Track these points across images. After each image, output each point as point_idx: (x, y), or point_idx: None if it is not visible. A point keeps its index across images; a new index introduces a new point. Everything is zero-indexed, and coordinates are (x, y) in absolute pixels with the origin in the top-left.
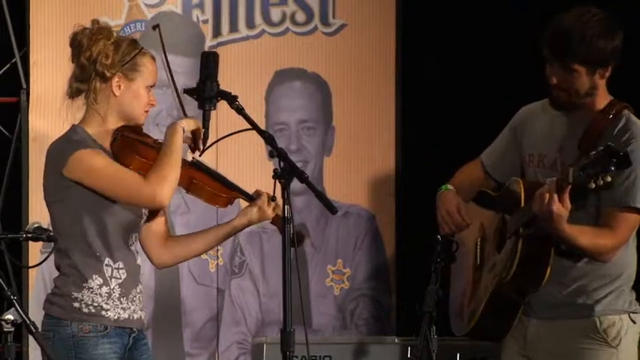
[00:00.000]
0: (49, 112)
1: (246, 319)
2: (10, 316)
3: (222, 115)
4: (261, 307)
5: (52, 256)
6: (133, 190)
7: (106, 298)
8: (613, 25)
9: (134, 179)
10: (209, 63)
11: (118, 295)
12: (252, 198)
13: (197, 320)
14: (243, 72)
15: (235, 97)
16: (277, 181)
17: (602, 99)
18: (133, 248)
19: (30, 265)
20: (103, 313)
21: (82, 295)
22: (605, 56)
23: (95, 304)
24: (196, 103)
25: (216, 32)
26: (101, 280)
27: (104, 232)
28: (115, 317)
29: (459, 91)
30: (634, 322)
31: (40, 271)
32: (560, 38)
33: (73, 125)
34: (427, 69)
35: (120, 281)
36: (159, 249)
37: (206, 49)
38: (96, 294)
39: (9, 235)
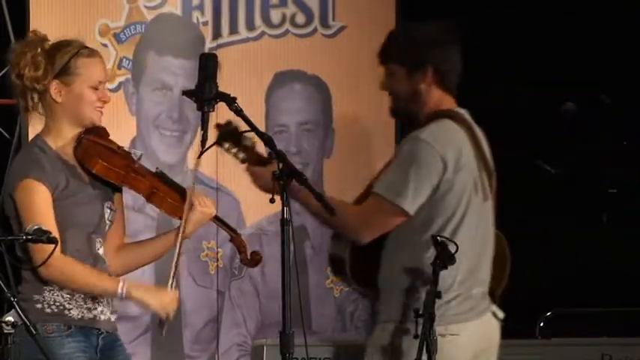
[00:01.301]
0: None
1: (245, 321)
2: (10, 318)
3: (222, 117)
4: (261, 308)
5: None
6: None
7: (68, 298)
8: (442, 35)
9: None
10: (208, 65)
11: (83, 296)
12: (223, 222)
13: (197, 322)
14: (243, 74)
15: (234, 99)
16: (276, 182)
17: (433, 107)
18: (100, 252)
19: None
20: (66, 312)
21: (43, 297)
22: (419, 60)
23: (57, 304)
24: (195, 104)
25: (216, 34)
26: None
27: (62, 244)
28: (79, 316)
29: (458, 94)
30: (407, 330)
31: None
32: (384, 42)
33: (36, 135)
34: None
35: None
36: (111, 256)
37: (206, 50)
38: (57, 294)
39: (9, 237)
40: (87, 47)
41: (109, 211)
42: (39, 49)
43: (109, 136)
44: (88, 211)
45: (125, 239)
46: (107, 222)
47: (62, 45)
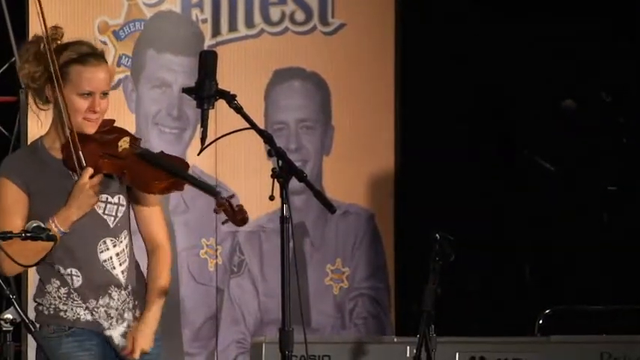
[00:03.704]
0: (48, 112)
1: (245, 318)
2: (9, 315)
3: (222, 115)
4: (260, 306)
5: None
6: None
7: (64, 298)
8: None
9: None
10: (207, 62)
11: (82, 296)
12: (201, 185)
13: (196, 319)
14: (242, 71)
15: (234, 96)
16: (276, 180)
17: None
18: (104, 256)
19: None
20: (62, 314)
21: (43, 300)
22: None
23: (53, 306)
24: (194, 102)
25: (216, 31)
26: (59, 283)
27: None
28: (75, 318)
29: (458, 90)
30: None
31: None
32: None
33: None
34: (426, 68)
35: (74, 287)
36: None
37: (205, 48)
38: (54, 297)
39: (8, 234)
40: (89, 54)
41: (103, 205)
42: (31, 51)
43: (109, 125)
44: (60, 204)
45: (157, 238)
46: (106, 216)
47: (65, 47)
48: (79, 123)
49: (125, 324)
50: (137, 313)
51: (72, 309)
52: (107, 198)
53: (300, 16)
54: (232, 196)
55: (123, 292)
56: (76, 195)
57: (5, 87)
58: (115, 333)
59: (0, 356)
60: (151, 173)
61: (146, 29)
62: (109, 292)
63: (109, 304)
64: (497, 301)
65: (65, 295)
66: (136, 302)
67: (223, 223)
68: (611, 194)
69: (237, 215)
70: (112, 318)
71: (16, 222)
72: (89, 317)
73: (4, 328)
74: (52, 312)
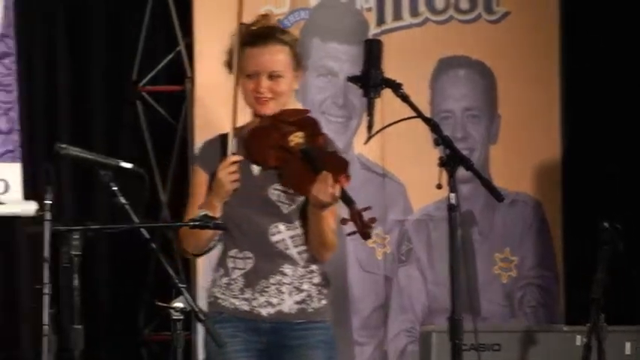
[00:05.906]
0: (213, 102)
1: (413, 306)
2: (179, 304)
3: (387, 103)
4: (429, 295)
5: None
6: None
7: (223, 288)
8: None
9: (187, 211)
10: (373, 51)
11: (241, 286)
12: (345, 199)
13: (364, 308)
14: (407, 60)
15: (400, 85)
16: (443, 168)
17: None
18: (276, 238)
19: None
20: (219, 301)
21: (210, 288)
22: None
23: (213, 295)
24: (361, 90)
25: (380, 20)
26: (223, 271)
27: (230, 224)
28: (232, 307)
29: (622, 79)
30: None
31: (208, 259)
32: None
33: None
34: (592, 56)
35: (244, 271)
36: None
37: (370, 36)
38: (216, 285)
39: (177, 224)
40: (256, 34)
41: (277, 192)
42: (234, 36)
43: (300, 115)
44: (238, 193)
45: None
46: (280, 203)
47: (240, 29)
48: (252, 103)
49: (304, 294)
50: (324, 291)
51: (228, 299)
52: (282, 188)
53: (464, 4)
54: (367, 209)
55: (300, 269)
56: (215, 181)
57: (172, 76)
58: (286, 305)
59: (171, 345)
60: (305, 174)
61: (311, 18)
62: (281, 269)
63: (281, 280)
64: None
65: (225, 285)
66: (323, 281)
67: (348, 234)
68: None
69: (364, 228)
70: (284, 293)
71: (195, 210)
72: (246, 307)
73: (174, 317)
74: (212, 300)
